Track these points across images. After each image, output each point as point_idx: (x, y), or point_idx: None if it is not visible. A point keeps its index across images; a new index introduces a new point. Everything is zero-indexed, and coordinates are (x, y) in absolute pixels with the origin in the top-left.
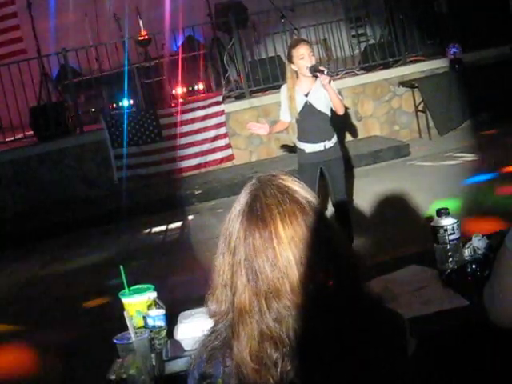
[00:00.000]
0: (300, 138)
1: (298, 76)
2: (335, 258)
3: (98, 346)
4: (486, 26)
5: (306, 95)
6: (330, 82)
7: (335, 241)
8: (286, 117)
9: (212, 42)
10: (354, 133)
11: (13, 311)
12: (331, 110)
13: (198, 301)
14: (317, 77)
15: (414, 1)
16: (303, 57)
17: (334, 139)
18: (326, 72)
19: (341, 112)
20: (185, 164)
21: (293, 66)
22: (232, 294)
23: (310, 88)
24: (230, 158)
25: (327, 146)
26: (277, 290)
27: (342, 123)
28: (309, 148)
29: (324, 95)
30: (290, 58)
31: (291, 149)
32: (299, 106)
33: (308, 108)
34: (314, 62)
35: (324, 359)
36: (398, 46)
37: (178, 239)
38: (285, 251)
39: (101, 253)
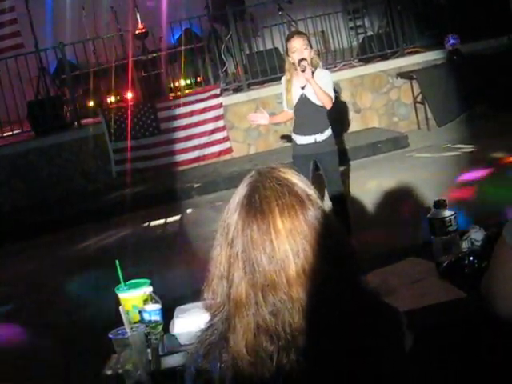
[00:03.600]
0: (294, 130)
1: (295, 68)
2: (333, 253)
3: (94, 341)
4: (484, 17)
5: (303, 88)
6: (312, 75)
7: (333, 235)
8: (286, 107)
9: (209, 34)
10: (352, 125)
11: (10, 307)
12: None
13: (196, 295)
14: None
15: None
16: (295, 50)
17: (328, 133)
18: (302, 69)
19: (328, 106)
20: (183, 157)
21: (290, 59)
22: (228, 286)
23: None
24: (229, 150)
25: (318, 140)
26: (273, 283)
27: (340, 115)
28: (300, 140)
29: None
30: (286, 51)
31: (290, 140)
32: (295, 98)
33: (303, 100)
34: (305, 56)
35: (319, 353)
36: (396, 38)
37: (177, 232)
38: (282, 244)
39: (99, 247)
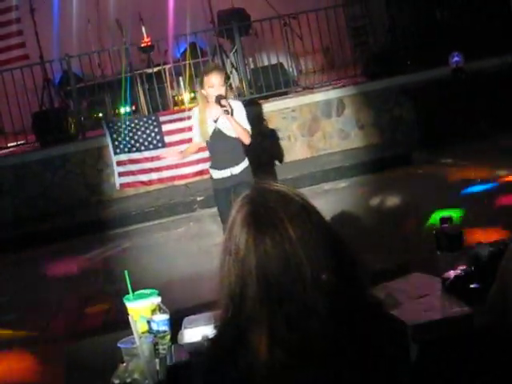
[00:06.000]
0: (211, 164)
1: (207, 101)
2: (340, 255)
3: (102, 350)
4: (488, 35)
5: (215, 121)
6: (232, 114)
7: (336, 237)
8: (198, 138)
9: (214, 49)
10: (355, 141)
11: (14, 316)
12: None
13: (200, 307)
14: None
15: (416, 9)
16: (213, 86)
17: (243, 164)
18: (224, 110)
19: (246, 142)
20: (187, 170)
21: (203, 92)
22: (240, 303)
23: (219, 114)
24: None
25: (233, 172)
26: (289, 293)
27: (342, 132)
28: (216, 174)
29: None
30: (201, 84)
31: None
32: (209, 131)
33: (217, 133)
34: (222, 92)
35: (331, 361)
36: (399, 55)
37: (180, 245)
38: (297, 252)
39: (103, 258)
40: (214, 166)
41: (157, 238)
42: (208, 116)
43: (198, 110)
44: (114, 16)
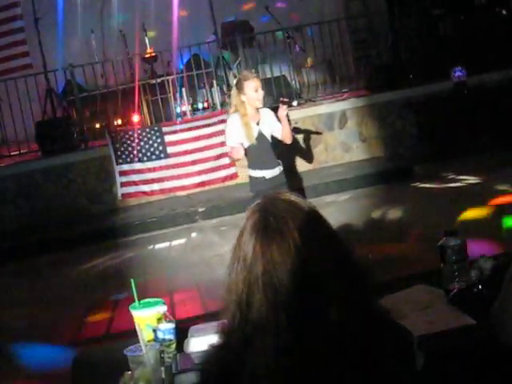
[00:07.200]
0: (256, 166)
1: (245, 106)
2: (347, 265)
3: (108, 358)
4: (490, 50)
5: (257, 124)
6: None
7: (344, 247)
8: (235, 143)
9: (218, 60)
10: (357, 153)
11: (15, 327)
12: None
13: (202, 317)
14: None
15: (418, 23)
16: (257, 89)
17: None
18: (295, 103)
19: (289, 141)
20: (189, 181)
21: (242, 97)
22: (247, 310)
23: (259, 117)
24: (234, 176)
25: (281, 170)
26: (296, 301)
27: (344, 144)
28: (268, 174)
29: (268, 124)
30: (241, 89)
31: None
32: (255, 134)
33: (260, 136)
34: (262, 95)
35: (338, 368)
36: (402, 68)
37: (181, 256)
38: (304, 261)
39: (104, 268)
40: (264, 167)
41: (158, 249)
42: (251, 120)
43: (240, 114)
44: (117, 26)
